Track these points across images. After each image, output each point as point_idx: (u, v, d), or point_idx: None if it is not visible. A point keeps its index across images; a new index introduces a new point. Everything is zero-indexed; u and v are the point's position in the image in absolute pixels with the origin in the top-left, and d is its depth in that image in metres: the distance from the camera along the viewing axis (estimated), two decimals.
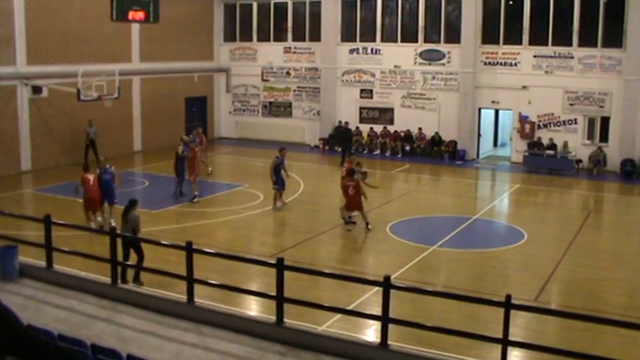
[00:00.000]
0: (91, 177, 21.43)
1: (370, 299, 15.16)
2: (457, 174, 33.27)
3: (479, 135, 36.56)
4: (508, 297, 11.40)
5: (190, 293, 13.80)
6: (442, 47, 36.59)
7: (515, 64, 34.84)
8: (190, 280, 13.88)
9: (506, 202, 28.36)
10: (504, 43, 35.12)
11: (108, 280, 14.88)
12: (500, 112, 38.17)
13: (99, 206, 21.70)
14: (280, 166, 25.04)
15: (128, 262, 16.35)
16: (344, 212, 22.37)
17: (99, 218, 21.52)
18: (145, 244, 17.06)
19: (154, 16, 34.19)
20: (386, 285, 12.02)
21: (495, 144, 40.40)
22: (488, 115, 37.60)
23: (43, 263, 15.70)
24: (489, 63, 35.40)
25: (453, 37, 36.16)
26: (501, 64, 35.16)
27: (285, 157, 25.63)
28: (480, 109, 36.18)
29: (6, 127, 30.20)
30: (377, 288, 13.71)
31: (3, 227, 17.30)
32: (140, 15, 34.38)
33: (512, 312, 11.56)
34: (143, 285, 16.03)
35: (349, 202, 22.23)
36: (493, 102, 35.83)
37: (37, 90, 31.15)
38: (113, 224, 18.44)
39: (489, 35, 35.39)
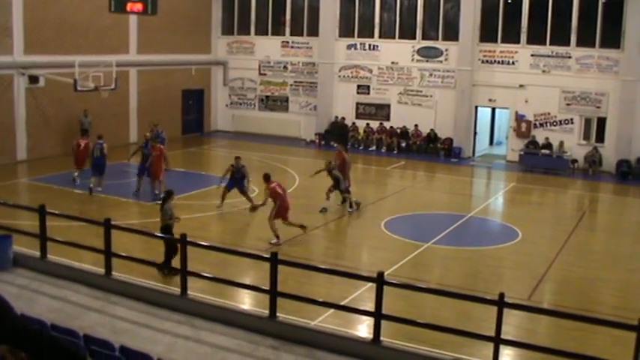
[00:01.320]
0: (82, 142, 25.08)
1: (363, 295, 15.15)
2: (452, 171, 33.30)
3: (475, 133, 36.60)
4: (501, 295, 11.44)
5: (184, 286, 13.83)
6: (440, 44, 36.60)
7: (513, 63, 34.88)
8: (184, 273, 13.91)
9: (501, 201, 28.42)
10: (502, 42, 35.15)
11: (102, 270, 14.90)
12: (497, 110, 38.19)
13: (80, 165, 25.93)
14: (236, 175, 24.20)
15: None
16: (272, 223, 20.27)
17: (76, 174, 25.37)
18: (139, 235, 17.08)
19: (152, 7, 34.14)
20: (379, 281, 12.06)
21: (491, 142, 40.44)
22: (484, 114, 37.64)
23: (37, 253, 15.73)
24: (487, 61, 35.43)
25: (451, 34, 36.17)
26: (499, 62, 35.19)
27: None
28: (476, 107, 36.23)
29: (2, 117, 30.16)
30: (370, 284, 13.73)
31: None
32: (138, 7, 34.34)
33: (505, 310, 11.60)
34: (167, 275, 15.80)
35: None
36: (490, 100, 35.87)
37: (33, 80, 31.12)
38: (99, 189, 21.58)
39: (487, 33, 35.42)
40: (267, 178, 20.60)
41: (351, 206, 24.07)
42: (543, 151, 33.61)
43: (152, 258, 15.87)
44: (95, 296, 14.08)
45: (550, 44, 34.00)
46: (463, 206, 25.80)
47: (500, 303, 11.38)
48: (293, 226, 20.43)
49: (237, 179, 23.68)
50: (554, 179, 31.57)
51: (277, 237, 19.83)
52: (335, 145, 24.69)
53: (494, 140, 40.69)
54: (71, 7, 32.58)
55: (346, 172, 25.19)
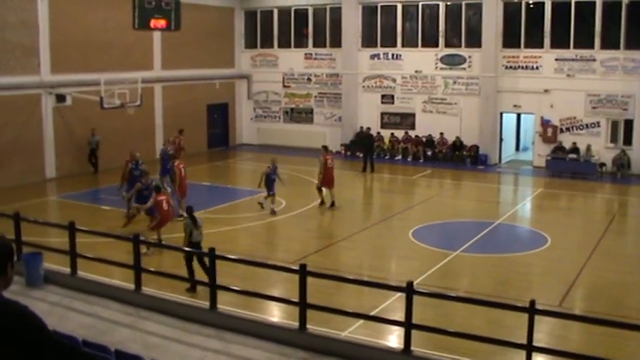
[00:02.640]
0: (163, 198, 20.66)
1: (393, 305, 15.10)
2: (479, 179, 33.15)
3: (501, 139, 36.40)
4: (532, 302, 11.35)
5: (213, 299, 13.86)
6: (463, 52, 36.51)
7: (537, 68, 34.68)
8: (213, 287, 13.94)
9: (528, 207, 28.21)
10: (525, 47, 34.95)
11: (132, 286, 14.97)
12: (522, 116, 37.98)
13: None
14: (272, 176, 25.08)
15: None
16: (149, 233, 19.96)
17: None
18: (168, 250, 17.16)
19: (176, 23, 34.34)
20: (409, 290, 12.01)
21: (517, 148, 40.20)
22: (510, 120, 37.43)
23: (67, 270, 15.84)
24: (511, 67, 35.27)
25: (474, 41, 36.05)
26: (523, 67, 35.01)
27: (276, 166, 25.62)
28: (501, 114, 36.03)
29: (31, 136, 30.51)
30: (400, 294, 13.67)
31: (28, 234, 17.43)
32: (162, 23, 34.59)
33: (536, 317, 11.50)
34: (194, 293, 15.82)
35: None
36: (515, 106, 35.66)
37: (61, 98, 31.48)
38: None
39: (510, 39, 35.24)
40: (157, 188, 21.02)
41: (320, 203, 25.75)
42: (570, 155, 33.35)
43: (181, 272, 15.92)
44: (126, 312, 14.15)
45: (574, 48, 33.76)
46: (491, 213, 25.66)
47: (531, 310, 11.29)
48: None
49: (273, 180, 24.66)
50: (582, 184, 31.32)
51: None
52: (323, 148, 27.04)
53: (521, 146, 40.46)
54: (96, 26, 32.93)
55: (328, 175, 26.07)
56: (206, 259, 15.00)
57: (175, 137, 31.33)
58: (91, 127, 32.37)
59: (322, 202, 25.99)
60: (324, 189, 26.07)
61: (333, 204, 25.73)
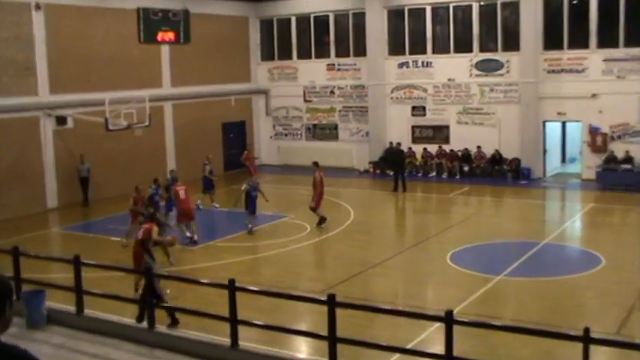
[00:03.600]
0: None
1: (431, 336, 14.99)
2: (522, 195, 32.95)
3: (544, 151, 36.17)
4: (586, 330, 11.19)
5: (234, 336, 13.79)
6: (500, 56, 36.41)
7: (583, 71, 34.46)
8: (234, 322, 13.89)
9: (579, 224, 27.97)
10: (569, 48, 34.76)
11: (144, 324, 14.95)
12: (568, 124, 37.75)
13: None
14: (253, 193, 25.99)
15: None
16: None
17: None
18: (184, 283, 17.13)
19: (185, 36, 34.72)
20: (448, 320, 11.89)
21: (563, 160, 39.95)
22: (554, 129, 37.22)
23: (73, 308, 15.83)
24: (553, 71, 35.08)
25: (512, 44, 35.94)
26: (567, 71, 34.81)
27: (257, 182, 26.91)
28: (544, 122, 35.81)
29: (30, 162, 30.72)
30: (438, 324, 13.57)
31: (28, 270, 17.47)
32: (170, 36, 35.02)
33: (592, 347, 11.34)
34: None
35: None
36: (559, 113, 35.42)
37: (61, 120, 31.66)
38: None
39: (552, 40, 35.09)
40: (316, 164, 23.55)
41: (319, 222, 26.38)
42: (623, 166, 33.06)
43: (199, 307, 15.89)
44: (139, 352, 14.12)
45: (624, 46, 33.46)
46: (536, 232, 25.45)
47: (586, 339, 11.13)
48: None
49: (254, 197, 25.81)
50: (638, 197, 31.01)
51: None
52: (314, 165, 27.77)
53: (567, 158, 40.20)
54: (97, 40, 33.21)
55: (319, 191, 26.89)
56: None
57: (245, 153, 34.93)
58: (94, 150, 32.50)
59: (323, 219, 26.56)
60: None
61: (321, 222, 26.52)
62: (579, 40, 34.51)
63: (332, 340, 12.81)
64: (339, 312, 12.85)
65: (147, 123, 31.06)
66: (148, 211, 21.71)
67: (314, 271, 22.07)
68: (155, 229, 18.75)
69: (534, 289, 19.33)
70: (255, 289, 15.22)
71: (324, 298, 13.25)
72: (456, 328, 11.97)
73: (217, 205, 30.22)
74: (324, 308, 12.88)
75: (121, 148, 33.31)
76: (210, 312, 14.78)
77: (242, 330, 14.00)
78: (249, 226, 25.49)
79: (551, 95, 35.10)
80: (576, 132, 37.05)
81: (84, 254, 16.54)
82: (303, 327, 15.76)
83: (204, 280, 16.34)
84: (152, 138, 34.89)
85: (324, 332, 12.91)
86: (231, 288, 13.85)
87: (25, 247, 17.97)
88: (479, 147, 36.67)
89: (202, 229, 25.86)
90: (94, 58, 33.02)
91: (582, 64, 34.47)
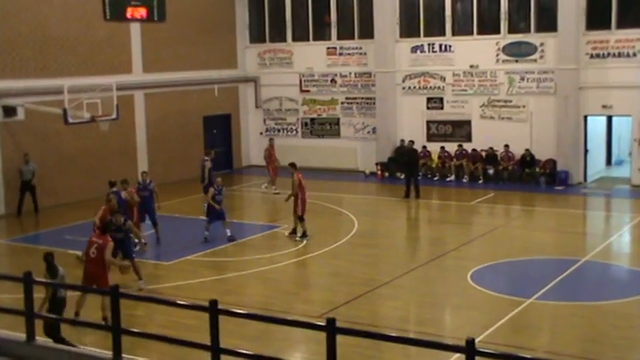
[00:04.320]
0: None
1: None
2: (558, 203, 32.96)
3: (586, 151, 36.18)
4: None
5: None
6: (533, 38, 36.44)
7: (634, 55, 34.47)
8: (216, 350, 13.85)
9: (627, 239, 27.95)
10: (618, 27, 34.75)
11: (109, 354, 14.90)
12: (615, 119, 37.79)
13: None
14: (218, 197, 26.68)
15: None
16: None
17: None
18: (158, 305, 17.10)
19: (159, 13, 34.70)
20: (469, 350, 11.86)
21: (609, 162, 39.98)
22: (597, 125, 37.20)
23: (22, 335, 15.77)
24: (598, 55, 35.10)
25: (547, 23, 35.98)
26: (614, 55, 34.83)
27: (223, 186, 27.37)
28: (585, 117, 35.85)
29: None
30: (457, 355, 13.57)
31: None
32: (141, 12, 34.99)
33: None
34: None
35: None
36: (604, 107, 35.44)
37: (9, 111, 31.46)
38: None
39: (597, 18, 35.07)
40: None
41: (302, 235, 26.62)
42: None
43: (176, 334, 15.87)
44: None
45: None
46: (575, 248, 25.44)
47: None
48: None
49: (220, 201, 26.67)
50: None
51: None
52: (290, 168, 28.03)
53: (613, 159, 40.24)
54: (54, 18, 33.16)
55: (302, 196, 26.89)
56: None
57: (267, 148, 35.75)
58: (50, 147, 32.40)
59: (305, 234, 26.71)
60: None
61: (296, 232, 26.87)
62: (630, 18, 34.56)
63: None
64: (340, 339, 12.81)
65: (114, 116, 31.00)
66: (114, 221, 21.73)
67: (311, 291, 22.03)
68: (110, 244, 18.83)
69: (572, 316, 19.28)
70: (241, 312, 15.17)
71: (322, 323, 13.22)
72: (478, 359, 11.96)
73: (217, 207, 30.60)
74: (323, 335, 12.84)
75: (83, 145, 33.28)
76: (188, 339, 14.75)
77: None
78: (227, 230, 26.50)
79: (594, 85, 35.12)
80: (625, 128, 37.10)
81: (36, 271, 16.50)
82: (297, 358, 15.76)
83: (181, 301, 16.29)
84: (121, 134, 34.91)
85: None
86: (213, 310, 13.81)
87: None
88: (506, 146, 36.68)
89: (178, 240, 25.87)
90: (51, 39, 32.97)
91: (634, 47, 34.50)
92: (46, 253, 17.38)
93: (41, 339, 15.75)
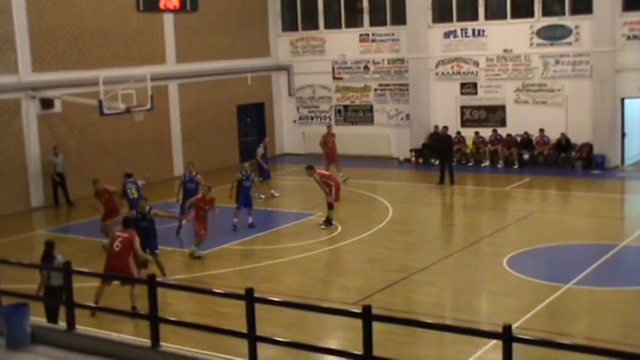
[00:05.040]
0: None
1: (486, 356, 14.94)
2: (594, 187, 32.75)
3: (623, 134, 35.89)
4: None
5: (253, 355, 13.77)
6: (568, 21, 36.14)
7: None
8: (252, 338, 13.86)
9: None
10: None
11: (147, 341, 14.95)
12: None
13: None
14: (245, 183, 27.18)
15: None
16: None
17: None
18: (195, 293, 17.13)
19: (192, 3, 34.73)
20: (506, 337, 11.78)
21: None
22: (635, 107, 36.80)
23: (62, 324, 15.86)
24: (635, 37, 34.71)
25: (582, 5, 35.70)
26: None
27: (252, 172, 27.83)
28: (622, 100, 35.54)
29: (10, 153, 30.87)
30: (494, 341, 13.51)
31: (9, 280, 17.50)
32: (174, 2, 35.05)
33: None
34: None
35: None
36: None
37: (47, 104, 31.69)
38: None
39: None
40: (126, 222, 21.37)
41: (329, 223, 26.58)
42: None
43: (211, 322, 15.89)
44: None
45: None
46: (613, 233, 25.24)
47: None
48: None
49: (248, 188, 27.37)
50: None
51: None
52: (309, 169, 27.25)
53: None
54: (89, 10, 33.35)
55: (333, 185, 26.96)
56: None
57: (325, 135, 35.54)
58: (87, 139, 32.61)
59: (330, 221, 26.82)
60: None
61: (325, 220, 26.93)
62: None
63: (368, 359, 12.76)
64: (376, 326, 12.78)
65: (148, 106, 31.10)
66: (139, 208, 21.85)
67: (346, 278, 21.99)
68: (137, 237, 18.97)
69: (611, 301, 19.13)
70: (277, 299, 15.16)
71: (358, 310, 13.18)
72: (515, 346, 11.86)
73: (277, 195, 31.92)
74: (359, 322, 12.80)
75: (117, 136, 33.43)
76: (224, 327, 14.77)
77: (261, 348, 13.98)
78: (243, 219, 26.71)
79: (631, 67, 34.81)
80: None
81: (75, 260, 16.57)
82: (333, 344, 15.72)
83: (218, 290, 16.31)
84: (155, 124, 35.04)
85: (359, 351, 12.84)
86: (250, 299, 13.82)
87: (4, 253, 18.04)
88: (542, 130, 36.47)
89: (213, 229, 25.88)
90: (85, 31, 33.15)
91: None
92: (47, 241, 17.72)
93: (81, 327, 15.83)
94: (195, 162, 30.59)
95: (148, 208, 21.62)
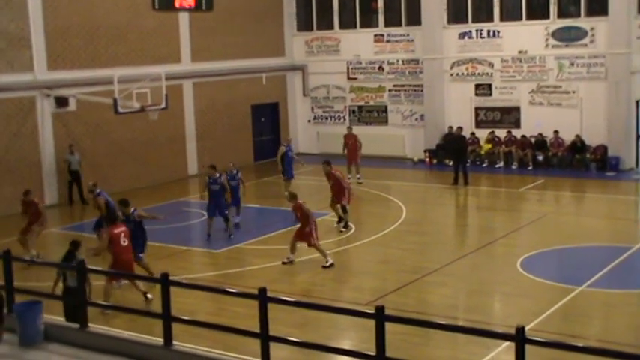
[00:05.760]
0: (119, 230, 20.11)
1: (499, 358, 14.91)
2: (609, 189, 32.65)
3: (638, 137, 35.78)
4: None
5: (265, 354, 13.76)
6: (583, 22, 36.06)
7: None
8: (265, 338, 13.85)
9: None
10: None
11: (160, 340, 14.97)
12: None
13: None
14: (290, 154, 28.53)
15: None
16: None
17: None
18: (207, 292, 17.13)
19: (207, 2, 34.83)
20: (519, 338, 11.75)
21: None
22: None
23: (75, 322, 15.88)
24: None
25: (598, 7, 35.63)
26: None
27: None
28: (637, 102, 35.41)
29: (25, 151, 30.99)
30: (507, 343, 13.49)
31: (23, 278, 17.56)
32: (189, 2, 35.19)
33: None
34: None
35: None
36: None
37: (62, 102, 31.81)
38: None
39: None
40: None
41: (345, 226, 26.49)
42: None
43: (224, 321, 15.89)
44: None
45: None
46: (628, 235, 25.18)
47: None
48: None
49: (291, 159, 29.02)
50: None
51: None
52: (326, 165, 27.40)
53: None
54: (104, 8, 33.42)
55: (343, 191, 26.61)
56: None
57: (345, 136, 35.27)
58: (101, 137, 32.68)
59: (342, 221, 26.70)
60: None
61: (344, 223, 26.65)
62: None
63: None
64: (388, 327, 12.76)
65: (163, 105, 31.07)
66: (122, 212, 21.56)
67: (359, 278, 21.98)
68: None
69: (625, 304, 19.09)
70: (290, 299, 15.17)
71: (371, 310, 13.17)
72: (528, 348, 11.83)
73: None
74: (371, 323, 12.79)
75: (132, 134, 33.49)
76: (237, 326, 14.77)
77: (274, 348, 13.97)
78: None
79: None
80: None
81: (88, 259, 16.61)
82: (345, 345, 15.71)
83: (230, 289, 16.31)
84: (169, 123, 35.07)
85: (372, 351, 12.83)
86: (262, 298, 13.81)
87: (18, 251, 18.06)
88: (556, 132, 36.39)
89: (227, 228, 25.92)
90: (101, 29, 33.25)
91: None
92: (72, 240, 17.62)
93: (94, 326, 15.86)
94: (209, 161, 30.63)
95: (132, 209, 21.22)
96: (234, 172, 26.84)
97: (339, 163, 31.73)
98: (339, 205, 26.53)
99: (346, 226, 26.31)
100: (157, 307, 15.41)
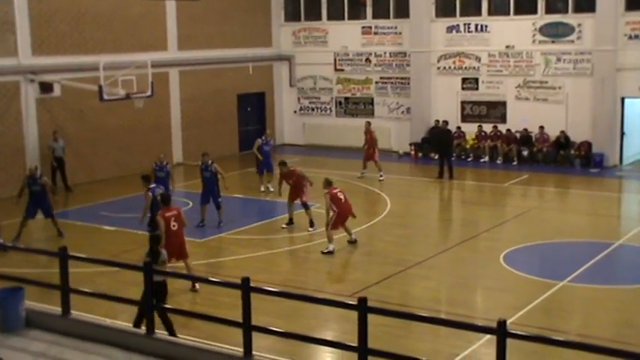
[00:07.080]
0: None
1: (480, 351, 15.01)
2: (593, 185, 32.74)
3: (622, 134, 35.89)
4: None
5: (248, 344, 13.80)
6: (570, 19, 36.09)
7: None
8: (248, 328, 13.89)
9: None
10: None
11: (142, 329, 14.99)
12: None
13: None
14: (265, 147, 29.16)
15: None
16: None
17: None
18: (189, 281, 17.13)
19: None
20: (501, 332, 11.82)
21: None
22: (635, 107, 36.77)
23: (57, 309, 15.86)
24: (637, 36, 34.68)
25: (585, 3, 35.62)
26: None
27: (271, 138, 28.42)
28: (623, 99, 35.52)
29: (8, 137, 30.88)
30: (488, 336, 13.55)
31: (5, 264, 17.53)
32: None
33: None
34: None
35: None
36: None
37: (46, 88, 31.62)
38: None
39: None
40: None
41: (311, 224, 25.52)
42: None
43: (208, 311, 15.92)
44: None
45: None
46: (609, 231, 25.29)
47: None
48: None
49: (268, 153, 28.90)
50: None
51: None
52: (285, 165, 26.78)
53: None
54: None
55: (304, 187, 26.00)
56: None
57: (366, 130, 34.41)
58: (86, 124, 32.58)
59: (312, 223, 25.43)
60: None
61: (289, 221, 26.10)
62: None
63: (362, 351, 12.78)
64: (371, 319, 12.81)
65: (149, 93, 31.03)
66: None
67: (343, 270, 22.03)
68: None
69: (606, 299, 19.18)
70: (273, 289, 15.19)
71: (353, 302, 13.22)
72: (509, 341, 11.90)
73: (272, 190, 30.71)
74: (354, 314, 12.84)
75: (117, 122, 33.40)
76: (219, 316, 14.79)
77: (257, 337, 14.01)
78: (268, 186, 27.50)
79: (632, 66, 34.76)
80: None
81: (71, 246, 16.59)
82: (328, 336, 15.74)
83: (213, 279, 16.34)
84: (155, 111, 35.00)
85: (354, 342, 12.89)
86: (246, 288, 13.84)
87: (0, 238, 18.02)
88: (541, 127, 36.47)
89: (210, 217, 25.89)
90: (87, 15, 33.13)
91: None
92: (151, 235, 17.00)
93: (75, 312, 15.85)
94: (195, 150, 30.62)
95: (38, 173, 23.42)
96: (209, 162, 26.15)
97: (325, 155, 31.81)
98: (297, 202, 25.85)
99: (312, 224, 25.17)
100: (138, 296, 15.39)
